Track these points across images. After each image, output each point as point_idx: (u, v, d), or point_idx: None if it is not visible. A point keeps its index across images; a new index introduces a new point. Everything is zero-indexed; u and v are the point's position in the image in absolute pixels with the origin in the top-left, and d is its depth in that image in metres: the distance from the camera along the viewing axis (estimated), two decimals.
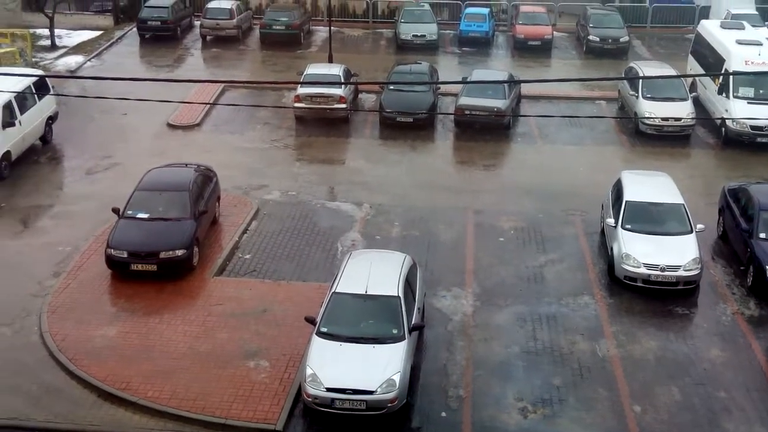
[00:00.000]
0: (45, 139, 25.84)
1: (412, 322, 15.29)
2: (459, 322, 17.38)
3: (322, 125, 27.84)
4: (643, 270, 18.25)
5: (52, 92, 26.09)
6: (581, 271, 19.45)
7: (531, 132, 28.18)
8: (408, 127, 27.79)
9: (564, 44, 39.21)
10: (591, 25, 37.78)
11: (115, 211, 19.25)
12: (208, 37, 38.20)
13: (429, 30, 37.58)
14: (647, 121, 27.28)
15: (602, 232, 20.70)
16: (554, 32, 38.83)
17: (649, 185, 20.53)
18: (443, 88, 30.25)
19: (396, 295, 15.38)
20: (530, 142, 27.47)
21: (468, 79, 28.81)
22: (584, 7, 40.68)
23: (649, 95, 27.71)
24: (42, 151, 25.56)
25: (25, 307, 17.41)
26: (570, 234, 21.22)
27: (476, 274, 19.18)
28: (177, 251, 18.26)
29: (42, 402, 14.73)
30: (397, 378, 14.15)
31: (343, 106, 27.76)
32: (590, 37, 37.32)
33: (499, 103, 27.51)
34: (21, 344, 16.29)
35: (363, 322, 15.25)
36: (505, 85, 27.87)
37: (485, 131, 27.48)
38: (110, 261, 18.34)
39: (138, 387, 15.01)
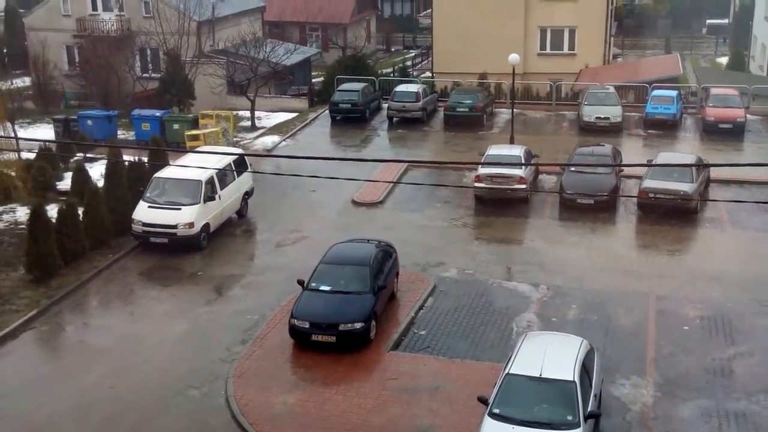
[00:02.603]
0: (241, 213, 27.57)
1: (588, 409, 14.86)
2: (638, 413, 16.69)
3: (502, 205, 27.99)
4: None
5: (249, 169, 27.91)
6: None
7: (720, 217, 27.02)
8: (588, 209, 27.42)
9: (758, 127, 37.53)
10: None
11: (300, 282, 20.15)
12: (395, 119, 39.60)
13: (613, 112, 37.17)
14: None
15: None
16: (747, 115, 37.29)
17: None
18: (627, 170, 29.71)
19: (572, 380, 15.04)
20: (719, 228, 26.33)
21: (653, 162, 28.12)
22: None
23: None
24: (237, 224, 27.26)
25: (214, 371, 18.42)
26: (762, 326, 19.99)
27: (657, 363, 18.42)
28: (356, 324, 18.80)
29: None
30: None
31: (523, 186, 27.83)
32: None
33: (686, 187, 26.64)
34: (208, 407, 17.18)
35: (536, 406, 14.97)
36: (693, 168, 27.00)
37: (670, 215, 26.64)
38: (293, 331, 19.13)
39: None
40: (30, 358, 19.50)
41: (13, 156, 28.34)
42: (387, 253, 21.53)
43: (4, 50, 54.54)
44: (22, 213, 27.11)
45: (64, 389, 17.81)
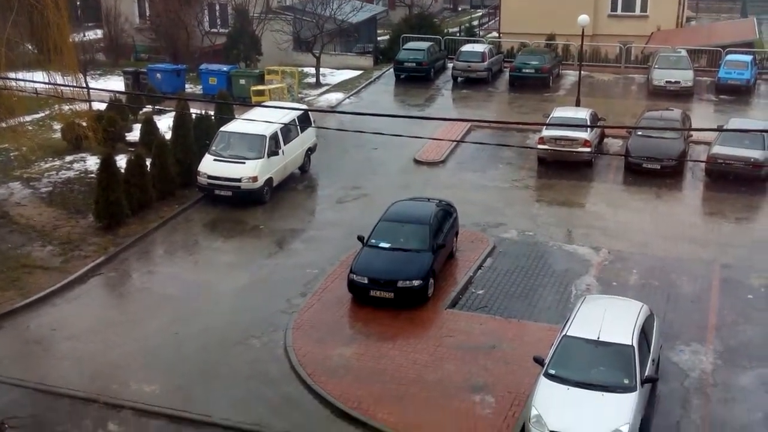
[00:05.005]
0: (303, 168, 27.82)
1: (646, 374, 14.79)
2: (696, 380, 16.53)
3: (565, 168, 27.70)
4: None
5: (313, 125, 28.08)
6: None
7: None
8: (654, 174, 26.94)
9: None
10: None
11: (360, 239, 20.33)
12: (459, 79, 39.26)
13: (684, 76, 36.26)
14: None
15: None
16: None
17: None
18: (695, 136, 29.06)
19: (630, 344, 14.95)
20: None
21: (724, 128, 27.44)
22: None
23: None
24: (299, 180, 27.53)
25: (274, 322, 18.78)
26: None
27: (719, 331, 18.17)
28: (414, 281, 18.92)
29: (281, 412, 15.74)
30: (625, 429, 13.72)
31: (588, 149, 27.46)
32: None
33: (757, 154, 25.98)
34: (267, 356, 17.56)
35: (593, 368, 14.94)
36: (765, 134, 26.26)
37: (739, 182, 26.02)
38: (351, 286, 19.37)
39: (368, 408, 15.65)
40: (98, 302, 20.16)
41: (84, 106, 28.97)
42: (447, 212, 21.55)
43: (78, 3, 55.49)
44: (92, 162, 27.87)
45: (130, 333, 18.40)
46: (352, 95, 37.55)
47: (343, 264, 20.97)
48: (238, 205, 24.89)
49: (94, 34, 48.68)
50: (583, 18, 32.63)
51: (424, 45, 40.37)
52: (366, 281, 19.11)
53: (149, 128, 28.00)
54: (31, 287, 20.22)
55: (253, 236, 23.45)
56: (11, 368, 17.06)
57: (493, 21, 59.13)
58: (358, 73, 42.11)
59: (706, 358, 17.21)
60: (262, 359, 17.47)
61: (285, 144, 26.04)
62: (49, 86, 25.33)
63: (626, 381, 14.52)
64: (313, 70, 40.95)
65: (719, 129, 26.30)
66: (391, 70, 40.81)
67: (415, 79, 39.42)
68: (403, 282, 18.90)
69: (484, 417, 15.34)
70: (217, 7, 48.03)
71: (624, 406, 14.09)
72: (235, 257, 22.17)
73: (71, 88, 25.29)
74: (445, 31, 49.63)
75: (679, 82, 36.11)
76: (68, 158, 29.18)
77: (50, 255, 21.94)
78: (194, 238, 23.37)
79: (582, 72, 35.12)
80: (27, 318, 19.12)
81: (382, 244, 19.93)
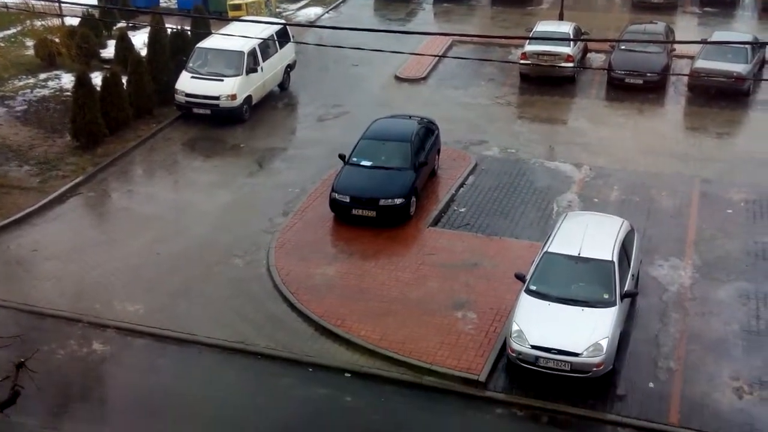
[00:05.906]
0: (283, 86, 27.39)
1: (625, 289, 14.97)
2: (675, 293, 16.78)
3: (547, 84, 27.45)
4: None
5: (292, 41, 27.51)
6: None
7: None
8: (637, 89, 26.78)
9: None
10: None
11: (341, 157, 20.19)
12: None
13: None
14: None
15: None
16: None
17: None
18: (679, 49, 28.80)
19: (610, 259, 15.10)
20: None
21: (707, 41, 27.19)
22: None
23: None
24: (279, 97, 27.15)
25: (256, 242, 18.77)
26: None
27: (697, 246, 18.36)
28: (396, 200, 18.90)
29: (265, 330, 15.87)
30: (604, 343, 13.96)
31: (571, 64, 27.18)
32: None
33: (740, 68, 25.81)
34: (251, 275, 17.62)
35: (574, 284, 15.10)
36: (748, 48, 26.08)
37: (722, 97, 25.93)
38: (333, 204, 19.31)
39: (352, 325, 15.79)
40: (78, 222, 20.01)
41: (56, 22, 28.20)
42: (429, 129, 21.37)
43: None
44: (67, 80, 27.30)
45: (111, 253, 18.35)
46: (331, 9, 36.76)
47: (324, 183, 20.87)
48: (217, 123, 24.57)
49: None
50: None
51: None
52: (348, 200, 19.05)
53: (124, 44, 27.37)
54: (10, 207, 20.04)
55: (233, 155, 23.23)
56: None
57: None
58: None
59: (684, 272, 17.44)
60: (245, 278, 17.52)
61: (264, 61, 25.57)
62: (20, 0, 24.63)
63: (606, 296, 14.71)
64: None
65: (703, 42, 26.00)
66: None
67: None
68: (385, 200, 18.88)
69: (466, 333, 15.52)
70: None
71: (603, 320, 14.28)
72: (215, 176, 21.99)
73: (42, 2, 24.59)
74: None
75: None
76: (42, 76, 28.55)
77: (28, 175, 21.67)
78: (173, 157, 23.12)
79: None
80: (7, 238, 19.01)
81: (364, 163, 19.81)
